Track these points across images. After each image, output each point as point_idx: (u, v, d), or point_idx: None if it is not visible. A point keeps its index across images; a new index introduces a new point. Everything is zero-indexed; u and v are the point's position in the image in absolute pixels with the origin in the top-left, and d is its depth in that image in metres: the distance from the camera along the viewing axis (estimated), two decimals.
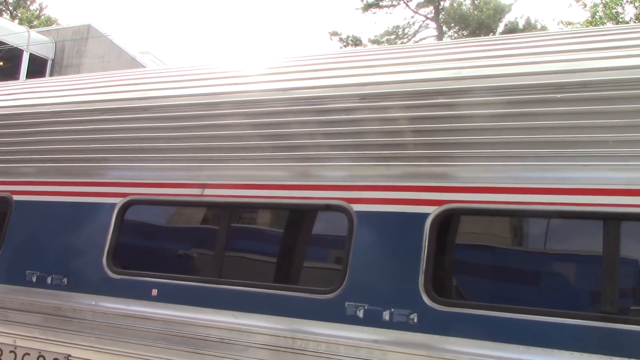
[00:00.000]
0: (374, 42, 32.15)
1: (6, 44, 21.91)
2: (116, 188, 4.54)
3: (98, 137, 4.66)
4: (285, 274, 4.14)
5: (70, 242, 4.60)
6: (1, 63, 22.46)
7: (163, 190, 4.40)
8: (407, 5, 33.02)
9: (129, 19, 74.98)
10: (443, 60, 3.74)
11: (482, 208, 3.45)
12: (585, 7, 21.63)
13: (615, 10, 20.34)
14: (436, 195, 3.53)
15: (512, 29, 30.01)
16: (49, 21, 34.43)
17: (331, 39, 33.08)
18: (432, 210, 3.49)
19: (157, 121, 4.42)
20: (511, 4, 31.92)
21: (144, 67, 18.59)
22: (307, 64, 4.32)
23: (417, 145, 3.65)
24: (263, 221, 4.51)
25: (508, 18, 31.89)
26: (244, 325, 3.81)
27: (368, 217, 3.69)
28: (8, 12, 36.04)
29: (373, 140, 3.73)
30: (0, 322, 4.66)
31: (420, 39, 32.33)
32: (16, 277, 4.68)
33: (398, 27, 33.07)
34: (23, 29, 24.09)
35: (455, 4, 33.01)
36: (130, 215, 4.54)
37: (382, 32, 33.63)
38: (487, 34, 28.56)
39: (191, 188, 4.29)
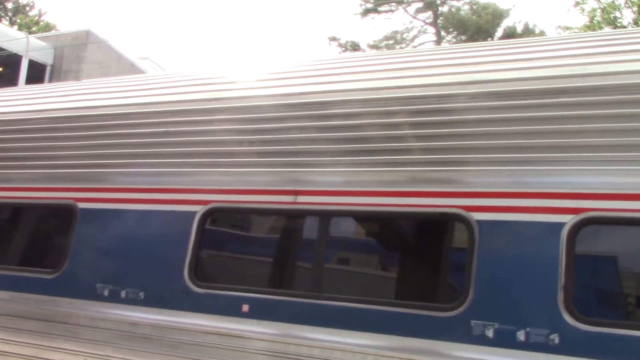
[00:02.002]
0: (372, 47, 32.19)
1: (5, 49, 21.91)
2: (196, 195, 4.20)
3: (175, 141, 4.36)
4: (398, 289, 3.79)
5: (145, 254, 4.28)
6: (0, 69, 22.45)
7: (248, 197, 4.07)
8: (406, 11, 33.07)
9: (127, 25, 75.09)
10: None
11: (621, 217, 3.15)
12: (584, 11, 21.68)
13: (613, 15, 20.38)
14: (573, 203, 3.22)
15: (510, 34, 30.06)
16: (47, 27, 34.44)
17: (330, 44, 33.13)
18: (569, 219, 3.19)
19: (238, 123, 4.13)
20: (509, 9, 32.00)
21: (143, 72, 18.59)
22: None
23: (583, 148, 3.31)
24: (368, 231, 4.14)
25: (506, 23, 31.96)
26: (351, 345, 3.46)
27: (493, 226, 3.36)
28: (7, 18, 36.06)
29: (502, 142, 3.43)
30: (69, 339, 4.30)
31: (419, 44, 32.37)
32: (85, 291, 4.33)
33: (397, 32, 33.11)
34: (22, 34, 24.09)
35: (453, 9, 33.07)
36: (212, 224, 4.23)
37: (380, 37, 33.68)
38: (486, 39, 28.61)
39: (281, 195, 3.96)
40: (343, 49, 32.42)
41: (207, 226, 4.15)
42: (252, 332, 3.72)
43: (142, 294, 4.12)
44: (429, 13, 33.36)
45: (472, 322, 3.20)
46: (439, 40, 32.09)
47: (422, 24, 33.50)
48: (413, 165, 3.66)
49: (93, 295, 4.27)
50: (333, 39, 32.93)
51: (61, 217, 4.76)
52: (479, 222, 3.36)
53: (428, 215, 3.62)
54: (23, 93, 5.39)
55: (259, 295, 3.83)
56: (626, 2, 20.10)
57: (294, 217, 4.11)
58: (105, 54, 21.94)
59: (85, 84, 5.43)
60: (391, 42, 32.54)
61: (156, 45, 72.03)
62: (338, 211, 3.85)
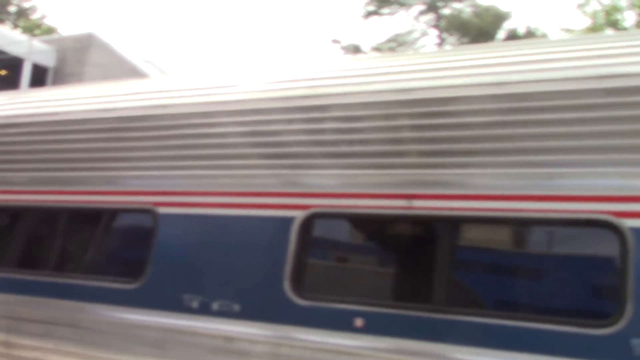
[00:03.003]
0: (375, 49, 32.20)
1: (7, 53, 21.96)
2: (295, 199, 3.86)
3: (270, 141, 4.01)
4: (537, 304, 3.40)
5: (240, 263, 3.91)
6: (2, 72, 22.49)
7: (354, 202, 3.71)
8: (408, 13, 33.07)
9: (130, 28, 75.26)
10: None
11: None
12: (586, 14, 21.67)
13: (615, 18, 20.37)
14: None
15: (512, 37, 30.05)
16: (49, 30, 34.51)
17: (332, 46, 33.15)
18: None
19: (346, 121, 3.79)
20: (510, 12, 31.99)
21: (145, 76, 18.60)
22: None
23: None
24: (500, 238, 3.68)
25: (508, 25, 31.94)
26: None
27: None
28: (10, 21, 36.14)
29: None
30: (154, 356, 3.99)
31: (421, 46, 32.37)
32: (170, 303, 3.99)
33: (399, 34, 33.11)
34: (24, 37, 24.14)
35: (455, 12, 33.07)
36: (315, 230, 3.86)
37: (383, 39, 33.69)
38: (488, 41, 28.59)
39: (393, 199, 3.61)
40: (345, 51, 32.44)
41: (308, 233, 3.81)
42: (368, 348, 3.39)
43: (237, 307, 3.77)
44: (431, 15, 33.35)
45: (633, 340, 2.86)
46: (441, 42, 32.08)
47: (425, 26, 33.50)
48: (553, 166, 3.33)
49: (179, 307, 3.93)
50: (335, 41, 32.96)
51: (140, 222, 4.56)
52: (635, 229, 3.02)
53: (568, 221, 3.27)
54: (92, 92, 5.07)
55: (375, 308, 3.47)
56: (629, 5, 20.09)
57: (406, 223, 3.74)
58: (107, 57, 21.98)
59: (164, 82, 5.07)
60: (393, 44, 32.53)
61: (159, 48, 72.18)
62: (462, 217, 3.49)
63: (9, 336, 4.50)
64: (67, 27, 66.81)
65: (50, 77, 23.29)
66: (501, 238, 3.66)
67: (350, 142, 3.77)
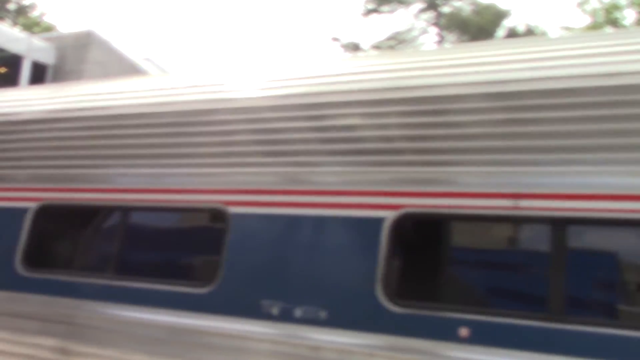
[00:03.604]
0: (375, 47, 32.18)
1: (6, 50, 21.94)
2: (384, 198, 3.61)
3: (360, 136, 3.76)
4: None
5: (325, 266, 3.65)
6: (2, 70, 22.48)
7: (451, 201, 3.46)
8: (407, 11, 33.04)
9: (129, 26, 75.17)
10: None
11: None
12: (586, 12, 21.66)
13: (614, 16, 20.36)
14: None
15: (511, 34, 30.04)
16: (49, 28, 34.49)
17: (332, 44, 33.13)
18: None
19: (434, 115, 3.55)
20: (509, 10, 31.98)
21: (144, 73, 18.59)
22: None
23: None
24: (622, 240, 3.34)
25: (508, 23, 31.93)
26: None
27: None
28: (9, 19, 36.11)
29: None
30: None
31: (421, 44, 32.35)
32: (246, 308, 3.75)
33: (399, 32, 33.09)
34: (24, 35, 24.12)
35: (455, 10, 33.05)
36: (406, 232, 3.62)
37: (383, 37, 33.67)
38: (487, 39, 28.58)
39: (498, 198, 3.36)
40: (344, 49, 32.42)
41: (400, 235, 3.55)
42: None
43: (323, 313, 3.52)
44: (431, 13, 33.34)
45: None
46: (440, 40, 32.07)
47: (424, 24, 33.48)
48: None
49: (257, 313, 3.68)
50: (335, 39, 32.94)
51: (210, 222, 4.34)
52: None
53: None
54: (142, 86, 4.89)
55: (484, 317, 3.21)
56: (629, 3, 20.08)
57: (517, 225, 3.48)
58: (106, 54, 21.96)
59: (225, 75, 4.68)
60: (393, 42, 32.52)
61: (158, 46, 72.12)
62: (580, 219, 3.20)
63: (66, 343, 4.24)
64: (67, 24, 66.74)
65: (49, 75, 23.27)
66: (622, 240, 3.33)
67: (449, 137, 3.53)
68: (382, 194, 3.60)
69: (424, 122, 3.59)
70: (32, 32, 28.28)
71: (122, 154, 4.52)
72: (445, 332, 3.24)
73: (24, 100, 5.31)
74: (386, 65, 4.00)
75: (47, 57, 23.36)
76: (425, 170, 3.57)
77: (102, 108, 4.68)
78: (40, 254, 4.71)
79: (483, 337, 3.17)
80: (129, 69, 20.20)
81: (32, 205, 4.71)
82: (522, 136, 3.36)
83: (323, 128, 3.84)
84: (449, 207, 3.47)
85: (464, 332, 3.21)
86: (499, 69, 3.51)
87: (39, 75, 22.48)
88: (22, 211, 4.73)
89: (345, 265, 3.59)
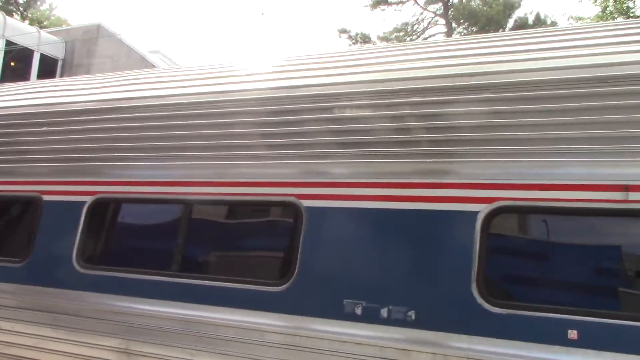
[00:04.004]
0: (383, 39, 32.08)
1: (17, 44, 22.07)
2: (476, 191, 3.38)
3: (444, 124, 3.50)
4: None
5: (412, 263, 3.45)
6: (12, 63, 22.62)
7: (550, 194, 3.23)
8: (416, 2, 32.90)
9: (137, 18, 75.25)
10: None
11: None
12: (596, 2, 21.49)
13: (626, 5, 20.18)
14: None
15: (521, 25, 29.86)
16: (59, 22, 34.63)
17: (340, 37, 33.05)
18: None
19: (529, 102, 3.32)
20: (519, 0, 31.77)
21: (154, 66, 18.65)
22: None
23: None
24: None
25: (517, 14, 31.74)
26: None
27: None
28: (19, 12, 36.27)
29: None
30: None
31: (430, 36, 32.21)
32: (326, 308, 3.53)
33: (407, 24, 32.97)
34: (33, 29, 24.25)
35: (464, 0, 32.87)
36: (502, 227, 3.39)
37: (391, 29, 33.56)
38: (497, 30, 28.41)
39: (606, 191, 3.13)
40: (353, 41, 32.34)
41: (495, 230, 3.33)
42: None
43: (412, 314, 3.32)
44: (440, 4, 33.18)
45: None
46: (449, 31, 31.92)
47: (433, 15, 33.34)
48: None
49: (338, 313, 3.46)
50: (343, 31, 32.84)
51: (278, 215, 4.12)
52: None
53: None
54: (200, 73, 4.63)
55: (595, 319, 3.00)
56: None
57: (617, 218, 3.23)
58: (116, 47, 22.03)
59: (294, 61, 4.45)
60: (401, 34, 32.41)
61: (166, 38, 72.16)
62: None
63: (129, 343, 4.06)
64: (76, 18, 66.88)
65: (59, 68, 23.41)
66: None
67: (551, 125, 3.30)
68: (474, 187, 3.38)
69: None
70: (42, 26, 28.42)
71: (188, 146, 4.23)
72: (553, 334, 3.03)
73: (71, 90, 5.02)
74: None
75: (58, 51, 23.50)
76: (523, 161, 3.35)
77: (164, 96, 4.41)
78: (97, 250, 4.54)
79: (593, 339, 2.97)
80: (138, 62, 20.26)
81: (88, 199, 4.50)
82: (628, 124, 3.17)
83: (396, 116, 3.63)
84: (544, 199, 3.25)
85: (573, 334, 3.00)
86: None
87: (50, 69, 22.61)
88: (78, 205, 4.52)
89: (434, 263, 3.39)
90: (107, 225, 4.62)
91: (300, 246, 3.69)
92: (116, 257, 4.50)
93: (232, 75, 4.36)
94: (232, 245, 4.27)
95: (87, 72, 18.52)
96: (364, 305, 3.43)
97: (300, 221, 3.73)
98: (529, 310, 3.12)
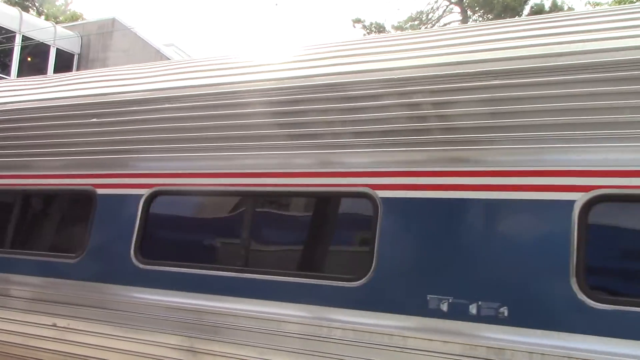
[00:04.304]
0: (397, 28, 31.90)
1: (33, 39, 22.28)
2: (571, 178, 3.17)
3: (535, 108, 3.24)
4: None
5: (505, 257, 3.21)
6: (29, 59, 22.86)
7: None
8: None
9: (152, 12, 75.49)
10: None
11: None
12: None
13: None
14: None
15: (537, 11, 29.50)
16: (74, 16, 34.88)
17: (354, 27, 32.91)
18: None
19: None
20: None
21: (168, 59, 18.73)
22: None
23: None
24: None
25: (534, 0, 31.35)
26: None
27: None
28: (34, 8, 36.57)
29: None
30: None
31: (445, 24, 31.95)
32: (409, 304, 3.33)
33: (422, 12, 32.73)
34: (49, 24, 24.46)
35: None
36: (604, 218, 3.15)
37: (405, 18, 33.34)
38: (513, 17, 28.10)
39: None
40: (368, 31, 32.19)
41: (596, 221, 3.11)
42: None
43: (504, 310, 3.11)
44: None
45: None
46: (465, 19, 31.64)
47: (448, 3, 33.05)
48: None
49: (422, 309, 3.26)
50: (357, 21, 32.69)
51: (354, 208, 3.86)
52: None
53: None
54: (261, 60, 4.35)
55: None
56: None
57: None
58: (130, 41, 22.16)
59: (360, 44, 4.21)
60: (416, 22, 32.19)
61: (181, 31, 72.43)
62: None
63: (194, 341, 3.87)
64: (91, 12, 67.31)
65: (75, 63, 23.61)
66: None
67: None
68: (570, 174, 3.16)
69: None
70: (57, 21, 28.64)
71: (250, 135, 4.02)
72: None
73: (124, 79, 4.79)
74: None
75: (73, 45, 23.69)
76: (618, 147, 3.13)
77: (223, 84, 4.15)
78: (156, 245, 4.35)
79: None
80: (153, 55, 20.35)
81: (145, 191, 4.29)
82: None
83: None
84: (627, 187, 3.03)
85: None
86: None
87: (66, 63, 22.81)
88: (134, 198, 4.32)
89: (529, 256, 3.16)
90: (166, 219, 4.43)
91: (377, 240, 3.46)
92: (177, 252, 4.29)
93: (297, 61, 4.13)
94: (303, 238, 4.06)
95: (103, 66, 18.62)
96: (450, 301, 3.22)
97: (378, 213, 3.50)
98: (635, 306, 2.88)
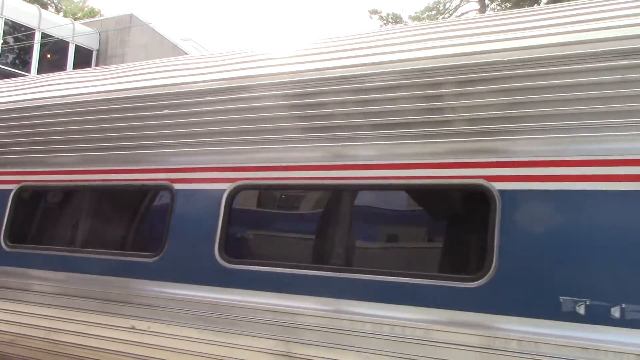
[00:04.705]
0: (414, 19, 31.67)
1: (52, 36, 22.49)
2: None
3: None
4: None
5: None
6: (49, 56, 23.08)
7: None
8: None
9: (169, 7, 75.76)
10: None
11: None
12: None
13: None
14: None
15: (556, 0, 29.14)
16: (92, 12, 35.14)
17: (371, 17, 32.74)
18: None
19: None
20: None
21: (186, 53, 18.79)
22: None
23: None
24: None
25: None
26: None
27: None
28: (53, 5, 36.89)
29: None
30: None
31: (462, 14, 31.67)
32: (536, 306, 2.99)
33: (439, 2, 32.44)
34: (68, 21, 24.68)
35: None
36: None
37: (422, 8, 33.09)
38: (532, 5, 27.75)
39: None
40: (384, 22, 32.00)
41: None
42: None
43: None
44: None
45: None
46: (482, 8, 31.32)
47: None
48: None
49: (554, 312, 2.94)
50: (374, 12, 32.51)
51: (465, 202, 3.58)
52: None
53: None
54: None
55: None
56: None
57: None
58: (148, 36, 22.27)
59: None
60: (433, 12, 31.93)
61: (198, 25, 72.57)
62: None
63: (290, 345, 3.57)
64: (109, 8, 67.73)
65: (94, 59, 23.80)
66: None
67: None
68: None
69: None
70: (76, 18, 28.88)
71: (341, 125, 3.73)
72: None
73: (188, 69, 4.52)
74: None
75: (92, 41, 23.87)
76: None
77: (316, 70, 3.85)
78: (244, 243, 4.10)
79: None
80: (171, 50, 20.43)
81: (227, 186, 4.00)
82: None
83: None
84: None
85: None
86: None
87: (85, 59, 23.00)
88: (216, 193, 4.02)
89: None
90: (251, 215, 4.16)
91: (496, 235, 3.15)
92: (266, 250, 4.05)
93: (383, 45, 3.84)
94: (409, 236, 3.75)
95: (121, 62, 18.75)
96: (587, 303, 2.90)
97: (494, 206, 3.20)
98: None
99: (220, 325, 3.77)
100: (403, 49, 3.70)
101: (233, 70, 4.20)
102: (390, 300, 3.32)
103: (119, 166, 4.46)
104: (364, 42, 3.99)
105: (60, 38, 22.68)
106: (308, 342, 3.49)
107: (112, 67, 5.55)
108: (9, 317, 4.64)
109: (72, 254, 4.52)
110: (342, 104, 3.68)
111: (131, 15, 23.41)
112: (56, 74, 6.33)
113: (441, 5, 32.40)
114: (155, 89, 4.38)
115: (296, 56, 4.12)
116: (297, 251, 3.95)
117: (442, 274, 3.31)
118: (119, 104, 4.47)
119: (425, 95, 3.46)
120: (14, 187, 4.93)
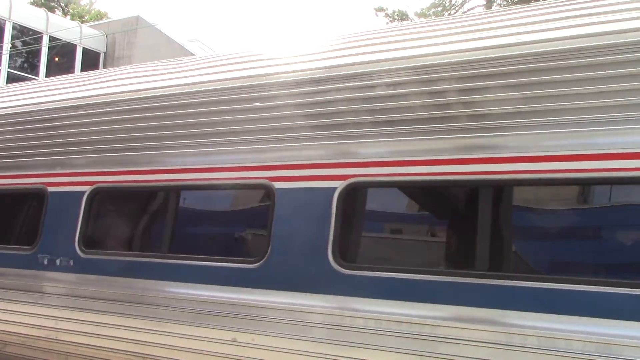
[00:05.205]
0: (420, 15, 31.60)
1: (60, 39, 22.62)
2: None
3: None
4: None
5: None
6: (57, 59, 23.22)
7: None
8: None
9: (175, 8, 75.94)
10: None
11: None
12: None
13: None
14: None
15: None
16: (99, 15, 35.29)
17: (376, 15, 32.69)
18: None
19: None
20: None
21: (193, 54, 18.85)
22: None
23: None
24: None
25: None
26: None
27: None
28: (60, 8, 37.08)
29: None
30: None
31: (469, 9, 31.56)
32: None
33: None
34: (75, 24, 24.81)
35: None
36: None
37: (428, 4, 33.01)
38: (538, 0, 27.59)
39: None
40: (391, 19, 31.96)
41: None
42: None
43: None
44: None
45: None
46: (488, 4, 31.21)
47: None
48: None
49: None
50: (380, 9, 32.46)
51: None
52: None
53: None
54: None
55: None
56: None
57: None
58: (155, 38, 22.35)
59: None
60: (439, 9, 31.85)
61: (204, 26, 72.70)
62: None
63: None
64: (115, 10, 68.03)
65: (102, 61, 23.92)
66: None
67: None
68: None
69: None
70: (83, 21, 29.02)
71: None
72: None
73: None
74: None
75: (99, 44, 23.99)
76: None
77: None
78: (360, 247, 3.70)
79: None
80: (178, 51, 20.50)
81: (338, 184, 3.59)
82: None
83: None
84: None
85: None
86: None
87: (92, 62, 23.11)
88: (326, 193, 3.61)
89: None
90: (367, 216, 3.78)
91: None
92: (388, 255, 3.65)
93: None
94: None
95: (129, 64, 18.83)
96: None
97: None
98: None
99: (338, 339, 3.36)
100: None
101: (341, 57, 3.71)
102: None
103: (214, 165, 4.04)
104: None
105: (68, 41, 22.80)
106: (447, 356, 3.07)
107: (181, 59, 4.90)
108: (87, 328, 4.21)
109: (157, 260, 4.14)
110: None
111: (138, 17, 23.50)
112: (122, 67, 5.65)
113: (447, 1, 32.28)
114: (242, 80, 3.91)
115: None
116: (427, 256, 3.56)
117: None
118: (198, 97, 4.06)
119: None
120: (87, 188, 4.53)
